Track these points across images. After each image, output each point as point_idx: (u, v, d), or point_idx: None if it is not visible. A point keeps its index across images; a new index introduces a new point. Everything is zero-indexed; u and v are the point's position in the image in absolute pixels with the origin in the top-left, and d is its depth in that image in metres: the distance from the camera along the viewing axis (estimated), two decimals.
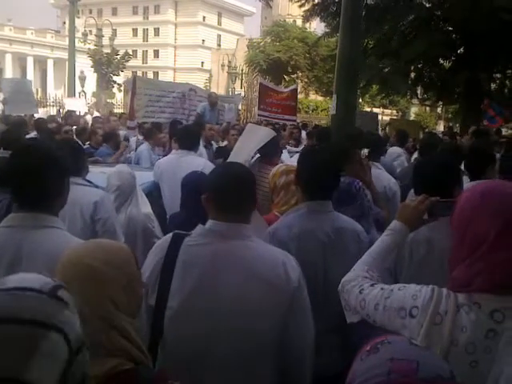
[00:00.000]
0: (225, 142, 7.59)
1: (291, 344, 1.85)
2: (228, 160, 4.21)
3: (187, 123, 8.16)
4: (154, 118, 8.92)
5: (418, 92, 18.22)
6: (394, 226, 1.83)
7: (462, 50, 14.76)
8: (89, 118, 13.32)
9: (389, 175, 4.23)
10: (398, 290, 1.51)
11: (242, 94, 22.30)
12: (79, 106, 18.13)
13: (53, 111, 20.73)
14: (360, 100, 23.58)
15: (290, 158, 5.38)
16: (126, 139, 7.60)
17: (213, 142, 7.42)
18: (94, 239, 1.45)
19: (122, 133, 8.02)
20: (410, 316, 1.41)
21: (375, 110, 31.79)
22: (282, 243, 2.29)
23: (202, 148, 6.28)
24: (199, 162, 4.63)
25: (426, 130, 13.37)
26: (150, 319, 1.83)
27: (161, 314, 1.80)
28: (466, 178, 3.31)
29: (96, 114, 15.87)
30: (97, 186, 3.28)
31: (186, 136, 4.90)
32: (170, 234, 1.94)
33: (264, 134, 4.03)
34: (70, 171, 2.10)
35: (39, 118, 9.42)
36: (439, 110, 38.21)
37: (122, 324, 1.32)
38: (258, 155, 4.15)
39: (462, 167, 3.77)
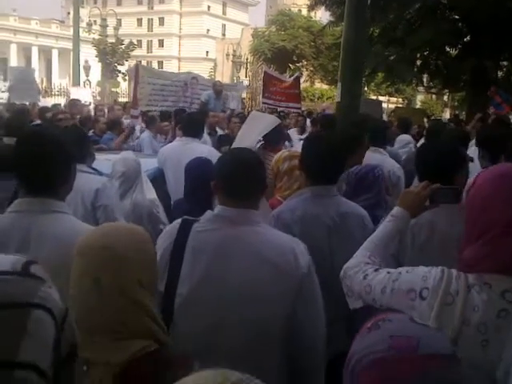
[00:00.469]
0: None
1: (302, 332, 1.84)
2: (232, 147, 4.23)
3: (189, 111, 8.15)
4: (158, 106, 8.92)
5: (424, 80, 18.11)
6: (396, 212, 1.82)
7: (468, 38, 14.65)
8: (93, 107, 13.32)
9: (393, 161, 4.22)
10: (406, 272, 1.51)
11: (247, 83, 22.22)
12: (85, 95, 18.13)
13: (57, 100, 20.71)
14: (366, 88, 23.47)
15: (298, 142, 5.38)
16: (132, 128, 7.60)
17: (218, 129, 7.42)
18: (108, 223, 1.45)
19: (127, 121, 8.02)
20: (420, 298, 1.42)
21: (381, 98, 31.65)
22: (285, 226, 2.31)
23: (206, 135, 6.28)
24: (203, 148, 4.64)
25: (432, 118, 13.25)
26: (159, 306, 1.82)
27: (171, 300, 1.80)
28: (472, 165, 3.29)
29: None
30: (101, 174, 3.30)
31: (190, 123, 4.91)
32: (179, 220, 1.94)
33: (268, 122, 4.04)
34: (75, 157, 2.10)
35: (43, 107, 9.42)
36: (445, 97, 37.97)
37: (147, 303, 1.32)
38: (262, 142, 4.15)
39: (471, 153, 3.76)
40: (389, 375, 0.89)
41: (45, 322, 0.85)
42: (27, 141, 2.01)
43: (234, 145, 4.31)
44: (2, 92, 14.78)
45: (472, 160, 3.57)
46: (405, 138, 6.53)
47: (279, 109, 11.31)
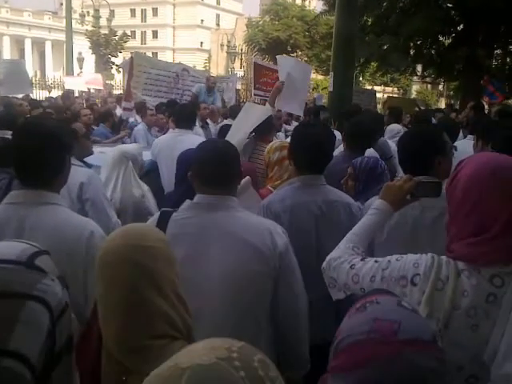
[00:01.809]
0: (224, 122, 7.59)
1: (284, 307, 1.91)
2: (226, 138, 4.26)
3: (180, 103, 8.16)
4: (152, 96, 8.91)
5: (419, 69, 18.07)
6: (378, 205, 1.83)
7: (461, 26, 14.61)
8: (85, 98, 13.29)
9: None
10: (395, 260, 1.53)
11: (242, 73, 22.13)
12: (79, 84, 18.08)
13: (52, 93, 20.64)
14: (361, 78, 23.38)
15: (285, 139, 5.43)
16: (123, 120, 7.61)
17: (209, 121, 7.42)
18: (122, 227, 1.39)
19: (118, 112, 8.04)
20: (412, 284, 1.44)
21: (376, 88, 31.55)
22: (275, 215, 2.36)
23: (198, 128, 6.29)
24: (197, 140, 4.64)
25: (422, 108, 13.23)
26: None
27: None
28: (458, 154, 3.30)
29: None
30: (90, 166, 3.31)
31: (182, 115, 4.93)
32: (158, 213, 2.01)
33: (261, 113, 4.06)
34: (70, 149, 2.12)
35: (32, 99, 9.43)
36: (441, 87, 37.91)
37: (184, 297, 1.32)
38: (254, 133, 4.18)
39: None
40: (365, 357, 0.91)
41: (39, 314, 0.86)
42: (22, 133, 2.04)
43: (228, 136, 4.34)
44: None
45: (456, 149, 3.61)
46: (394, 127, 6.54)
47: None
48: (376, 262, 1.58)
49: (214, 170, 1.93)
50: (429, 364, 0.90)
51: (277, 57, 5.69)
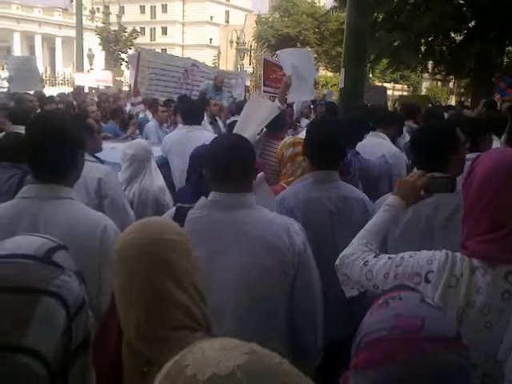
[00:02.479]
0: (232, 118, 7.58)
1: (302, 302, 1.91)
2: (234, 130, 4.25)
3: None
4: (158, 91, 8.89)
5: (429, 66, 17.98)
6: (392, 201, 1.82)
7: (473, 23, 14.50)
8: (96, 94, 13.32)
9: (390, 144, 4.22)
10: (409, 257, 1.52)
11: (251, 70, 22.12)
12: (89, 80, 18.13)
13: (61, 89, 20.73)
14: (370, 75, 23.34)
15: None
16: (132, 115, 7.63)
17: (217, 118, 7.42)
18: (139, 220, 1.37)
19: (127, 108, 8.07)
20: (426, 281, 1.43)
21: (386, 84, 31.42)
22: (288, 211, 2.35)
23: (207, 124, 6.29)
24: (208, 136, 4.66)
25: (437, 104, 13.21)
26: None
27: None
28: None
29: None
30: (102, 162, 3.32)
31: (190, 111, 4.93)
32: (174, 208, 1.99)
33: (269, 111, 4.03)
34: (83, 144, 2.12)
35: (49, 96, 9.48)
36: (451, 84, 37.69)
37: (203, 290, 1.31)
38: (265, 129, 4.17)
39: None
40: (388, 354, 0.89)
41: (55, 310, 0.85)
42: (35, 127, 2.04)
43: (235, 129, 4.33)
44: (3, 79, 14.76)
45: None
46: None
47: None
48: (389, 258, 1.57)
49: (229, 167, 1.91)
50: (453, 361, 0.88)
51: (277, 52, 5.69)
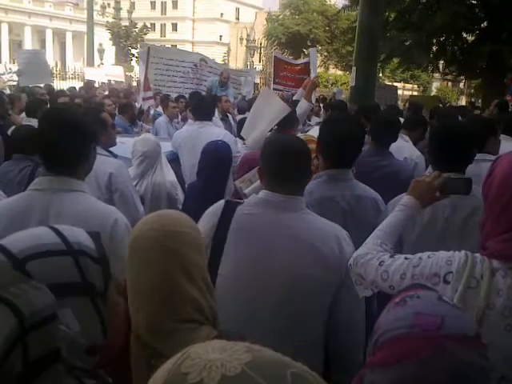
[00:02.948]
0: (240, 116, 7.58)
1: (346, 312, 1.83)
2: (244, 126, 4.25)
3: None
4: (165, 87, 8.89)
5: (440, 66, 17.88)
6: (406, 201, 1.80)
7: (485, 23, 14.40)
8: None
9: (413, 147, 4.15)
10: (427, 257, 1.50)
11: (260, 67, 22.10)
12: (99, 75, 18.20)
13: (72, 84, 20.82)
14: (380, 74, 23.20)
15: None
16: (143, 111, 7.64)
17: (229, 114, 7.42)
18: (156, 212, 1.37)
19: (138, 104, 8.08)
20: (444, 282, 1.42)
21: (396, 84, 31.30)
22: None
23: (218, 120, 6.29)
24: (219, 132, 4.67)
25: (448, 104, 13.15)
26: None
27: (212, 281, 1.82)
28: None
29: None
30: (116, 156, 3.33)
31: (200, 107, 4.93)
32: (222, 202, 1.95)
33: (279, 111, 4.02)
34: (95, 137, 2.12)
35: (59, 90, 9.53)
36: (461, 85, 37.49)
37: (211, 284, 1.31)
38: (276, 127, 4.15)
39: None
40: (408, 352, 0.88)
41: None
42: (47, 120, 2.04)
43: (245, 126, 4.32)
44: (13, 73, 14.82)
45: None
46: None
47: (290, 92, 11.26)
48: (406, 259, 1.55)
49: (290, 172, 1.87)
50: (473, 360, 0.87)
51: (310, 50, 5.65)
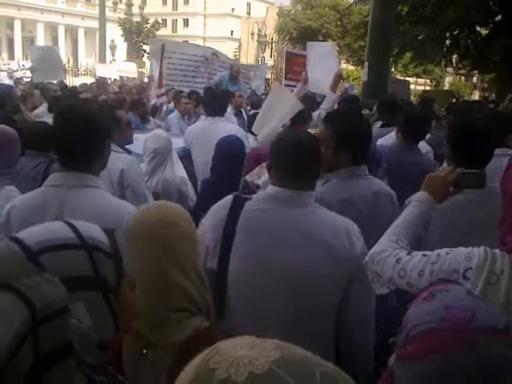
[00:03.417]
0: (253, 111, 7.57)
1: (357, 308, 1.82)
2: (256, 121, 4.24)
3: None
4: (176, 82, 8.88)
5: (453, 60, 17.72)
6: (421, 197, 1.78)
7: (499, 17, 14.24)
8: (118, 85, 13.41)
9: (423, 142, 4.14)
10: (446, 254, 1.49)
11: (272, 63, 22.04)
12: (111, 72, 18.26)
13: (84, 80, 20.93)
14: (393, 69, 23.03)
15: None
16: (157, 107, 7.64)
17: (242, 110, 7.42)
18: (147, 204, 1.45)
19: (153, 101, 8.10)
20: (464, 278, 1.40)
21: (408, 79, 31.07)
22: (328, 207, 2.27)
23: (232, 116, 6.28)
24: (231, 127, 4.66)
25: (461, 99, 13.03)
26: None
27: (223, 277, 1.81)
28: None
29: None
30: (130, 152, 3.34)
31: (213, 102, 4.93)
32: (230, 197, 1.92)
33: (292, 106, 4.01)
34: (109, 133, 2.13)
35: (73, 87, 9.59)
36: (474, 79, 37.12)
37: (205, 277, 1.33)
38: (289, 123, 4.15)
39: None
40: (438, 345, 0.88)
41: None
42: (63, 116, 2.06)
43: (257, 122, 4.31)
44: (26, 69, 14.94)
45: None
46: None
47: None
48: (424, 255, 1.53)
49: (300, 168, 1.85)
50: (503, 352, 0.86)
51: (310, 43, 5.64)
